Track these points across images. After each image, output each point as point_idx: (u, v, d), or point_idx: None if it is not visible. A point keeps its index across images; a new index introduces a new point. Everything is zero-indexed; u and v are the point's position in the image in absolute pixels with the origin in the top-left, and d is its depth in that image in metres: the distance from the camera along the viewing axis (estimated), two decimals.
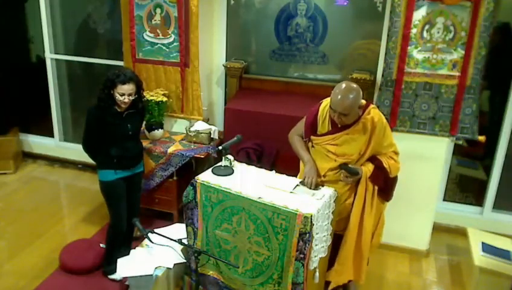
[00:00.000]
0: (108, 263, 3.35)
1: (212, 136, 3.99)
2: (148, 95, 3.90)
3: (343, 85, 2.62)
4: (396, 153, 2.84)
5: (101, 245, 3.54)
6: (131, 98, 3.03)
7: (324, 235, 2.63)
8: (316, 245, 2.54)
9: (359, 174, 2.74)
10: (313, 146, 2.87)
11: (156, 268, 2.85)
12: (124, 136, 3.14)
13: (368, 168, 2.76)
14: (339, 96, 2.58)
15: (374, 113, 2.71)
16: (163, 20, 3.93)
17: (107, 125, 3.05)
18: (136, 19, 3.99)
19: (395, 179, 2.89)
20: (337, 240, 2.88)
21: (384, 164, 2.76)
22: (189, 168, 4.01)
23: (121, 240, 3.33)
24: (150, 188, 3.92)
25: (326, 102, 2.83)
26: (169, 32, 3.94)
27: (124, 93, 2.98)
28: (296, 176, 2.96)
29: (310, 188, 2.69)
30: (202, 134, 3.92)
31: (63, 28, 4.90)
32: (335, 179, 2.80)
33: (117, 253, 3.25)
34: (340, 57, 3.98)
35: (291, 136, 3.00)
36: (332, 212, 2.69)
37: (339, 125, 2.72)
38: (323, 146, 2.79)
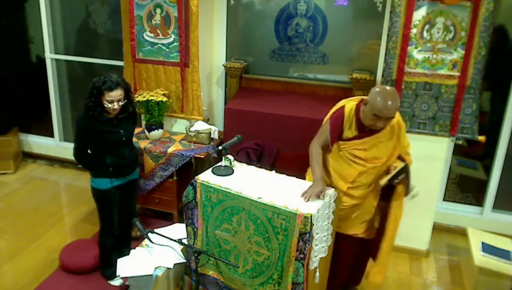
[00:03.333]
0: (105, 267, 3.35)
1: (212, 136, 3.98)
2: (148, 95, 3.90)
3: (381, 90, 2.53)
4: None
5: None
6: (121, 103, 2.92)
7: (324, 235, 2.63)
8: (316, 245, 2.54)
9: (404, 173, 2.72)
10: (340, 150, 2.77)
11: (156, 268, 2.85)
12: (118, 143, 3.03)
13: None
14: (387, 102, 2.47)
15: (397, 114, 2.67)
16: (163, 20, 3.93)
17: (99, 134, 2.94)
18: (136, 19, 3.99)
19: None
20: (357, 243, 2.93)
21: (408, 162, 2.75)
22: (189, 168, 4.01)
23: (115, 243, 3.29)
24: (150, 188, 3.92)
25: (349, 106, 2.71)
26: (169, 32, 3.94)
27: (112, 100, 2.86)
28: (295, 176, 2.95)
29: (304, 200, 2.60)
30: (202, 134, 3.92)
31: (63, 28, 4.90)
32: (364, 183, 2.77)
33: (111, 256, 3.25)
34: (340, 57, 3.98)
35: (312, 146, 2.81)
36: (332, 212, 2.69)
37: (366, 129, 2.64)
38: (349, 151, 2.72)
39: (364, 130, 2.64)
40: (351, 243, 2.94)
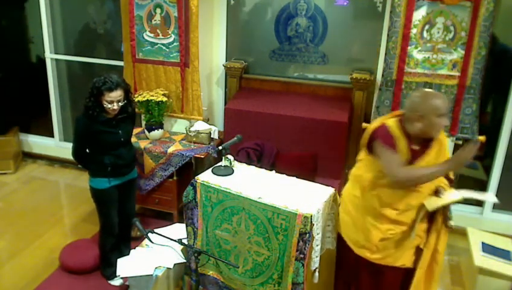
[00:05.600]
0: (105, 267, 3.35)
1: (212, 136, 3.99)
2: (148, 95, 3.90)
3: (422, 94, 2.33)
4: None
5: None
6: (120, 104, 2.92)
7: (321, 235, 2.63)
8: (316, 245, 2.54)
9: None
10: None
11: (156, 268, 2.85)
12: (116, 143, 3.03)
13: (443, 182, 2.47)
14: (437, 96, 2.29)
15: None
16: (163, 20, 3.93)
17: (97, 134, 2.94)
18: (136, 19, 3.99)
19: None
20: (403, 273, 2.55)
21: (451, 175, 2.49)
22: (189, 168, 4.01)
23: (115, 243, 3.29)
24: (150, 188, 3.92)
25: (392, 123, 2.37)
26: (169, 32, 3.95)
27: (112, 100, 2.86)
28: (295, 176, 2.95)
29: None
30: (202, 134, 3.92)
31: (63, 28, 4.90)
32: (414, 206, 2.41)
33: (111, 256, 3.24)
34: (340, 57, 3.98)
35: (399, 172, 2.29)
36: (334, 213, 2.69)
37: (415, 147, 2.35)
38: None
39: (415, 150, 2.35)
40: (398, 273, 2.55)
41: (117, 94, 2.88)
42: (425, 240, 2.50)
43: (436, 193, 2.41)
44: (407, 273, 2.55)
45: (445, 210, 2.42)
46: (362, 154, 2.55)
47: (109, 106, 2.88)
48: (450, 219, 2.43)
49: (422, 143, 2.37)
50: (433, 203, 2.37)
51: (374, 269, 2.56)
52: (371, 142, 2.41)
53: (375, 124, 2.46)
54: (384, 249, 2.48)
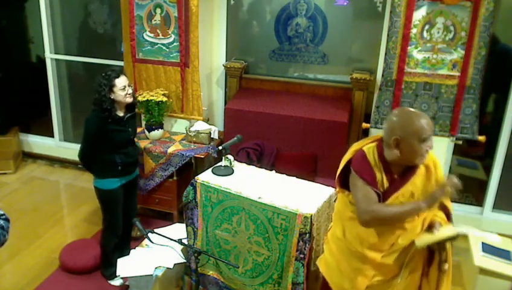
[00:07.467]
0: (105, 267, 3.35)
1: (212, 136, 3.99)
2: (148, 95, 3.91)
3: (405, 112, 1.99)
4: None
5: None
6: (131, 88, 3.01)
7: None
8: (316, 245, 2.54)
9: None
10: None
11: (156, 268, 2.85)
12: (126, 141, 3.07)
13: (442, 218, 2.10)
14: (422, 117, 1.92)
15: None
16: (163, 20, 3.93)
17: (109, 133, 2.95)
18: (136, 19, 3.99)
19: None
20: None
21: (450, 209, 2.13)
22: (189, 168, 4.01)
23: (117, 243, 3.29)
24: (150, 188, 3.92)
25: (369, 148, 2.04)
26: (169, 32, 3.95)
27: (124, 85, 2.93)
28: (295, 176, 2.95)
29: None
30: (202, 134, 3.92)
31: (63, 28, 4.90)
32: (402, 245, 2.05)
33: (112, 256, 3.25)
34: (340, 57, 3.98)
35: (366, 211, 1.96)
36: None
37: (395, 176, 2.02)
38: None
39: (394, 177, 2.02)
40: None
41: (124, 78, 2.97)
42: (422, 284, 2.13)
43: (430, 228, 2.05)
44: None
45: (440, 249, 2.06)
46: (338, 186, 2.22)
47: (123, 93, 2.93)
48: (445, 261, 2.06)
49: (404, 171, 2.02)
50: (423, 241, 2.01)
51: None
52: (346, 171, 2.09)
53: (352, 149, 2.12)
54: None
